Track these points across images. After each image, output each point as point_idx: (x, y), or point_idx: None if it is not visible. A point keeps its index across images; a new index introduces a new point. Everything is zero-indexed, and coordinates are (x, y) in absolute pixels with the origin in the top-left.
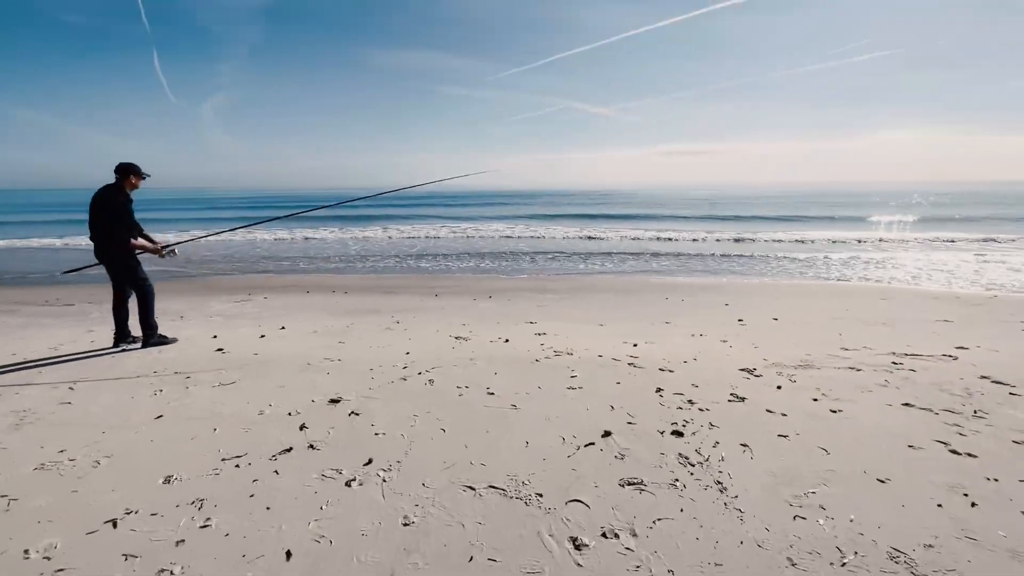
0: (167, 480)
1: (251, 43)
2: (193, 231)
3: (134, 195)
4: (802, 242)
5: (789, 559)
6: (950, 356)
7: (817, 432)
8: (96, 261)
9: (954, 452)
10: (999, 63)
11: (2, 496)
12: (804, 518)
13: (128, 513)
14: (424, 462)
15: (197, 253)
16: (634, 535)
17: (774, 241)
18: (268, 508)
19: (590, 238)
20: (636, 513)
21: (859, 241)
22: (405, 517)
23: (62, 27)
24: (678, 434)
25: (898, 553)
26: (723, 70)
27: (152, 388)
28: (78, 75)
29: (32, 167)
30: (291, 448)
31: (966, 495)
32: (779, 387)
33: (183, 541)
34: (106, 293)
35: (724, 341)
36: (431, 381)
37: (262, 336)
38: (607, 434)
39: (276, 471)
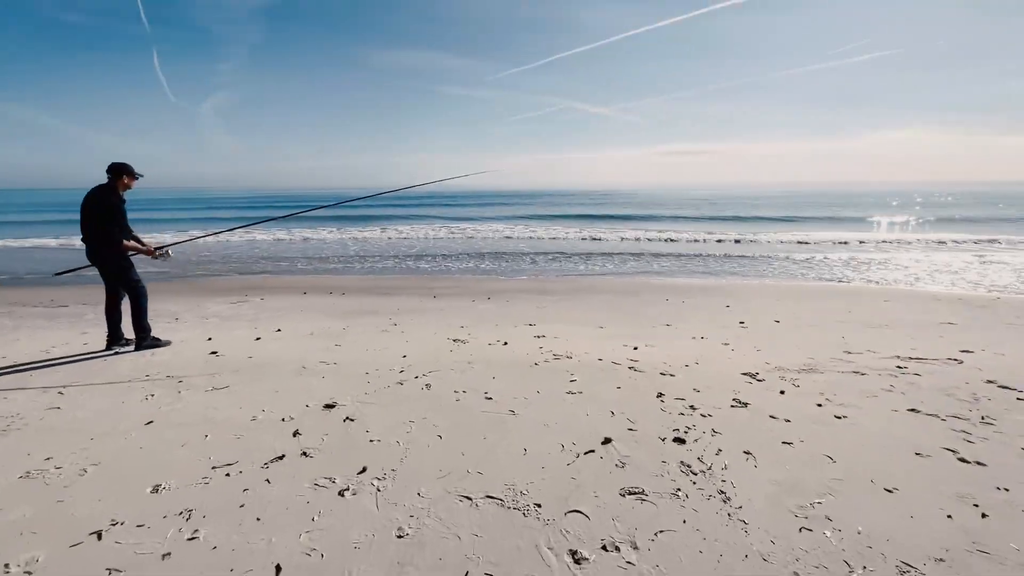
0: (155, 489)
1: (251, 43)
2: (191, 231)
3: (126, 195)
4: (803, 243)
5: (796, 573)
6: (955, 360)
7: (822, 439)
8: (89, 263)
9: (963, 460)
10: (999, 63)
11: None
12: (810, 530)
13: (114, 524)
14: (419, 470)
15: (195, 253)
16: (635, 548)
17: (775, 242)
18: (258, 519)
19: (590, 239)
20: (637, 524)
21: (860, 242)
22: (399, 528)
23: (62, 26)
24: (680, 441)
25: (908, 568)
26: (723, 70)
27: (144, 392)
28: (77, 75)
29: (31, 167)
30: (283, 455)
31: (976, 505)
32: (782, 392)
33: (169, 554)
34: (101, 294)
35: (726, 344)
36: (428, 385)
37: (257, 339)
38: (607, 441)
39: (267, 479)
